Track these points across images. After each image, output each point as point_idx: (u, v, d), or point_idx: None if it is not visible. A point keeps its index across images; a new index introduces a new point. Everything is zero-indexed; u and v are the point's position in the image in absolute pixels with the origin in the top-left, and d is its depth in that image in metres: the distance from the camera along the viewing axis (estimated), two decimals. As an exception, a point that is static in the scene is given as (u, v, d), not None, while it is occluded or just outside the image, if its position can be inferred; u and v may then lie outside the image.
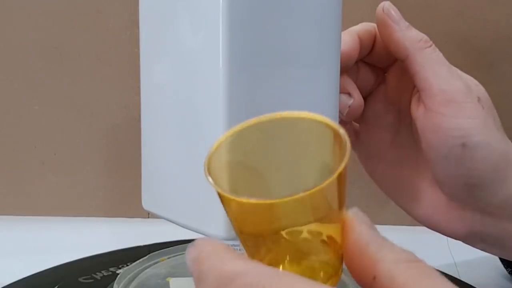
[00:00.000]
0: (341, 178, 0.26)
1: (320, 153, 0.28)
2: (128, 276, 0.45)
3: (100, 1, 0.68)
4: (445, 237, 0.58)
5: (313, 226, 0.27)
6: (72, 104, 0.69)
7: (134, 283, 0.45)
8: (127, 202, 0.69)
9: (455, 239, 0.49)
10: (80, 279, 0.49)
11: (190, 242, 0.27)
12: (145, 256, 0.47)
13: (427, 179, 0.47)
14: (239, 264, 0.25)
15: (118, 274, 0.50)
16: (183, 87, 0.37)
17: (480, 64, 0.65)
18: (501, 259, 0.54)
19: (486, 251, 0.49)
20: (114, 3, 0.67)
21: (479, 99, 0.43)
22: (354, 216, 0.28)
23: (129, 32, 0.68)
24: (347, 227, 0.27)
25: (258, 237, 0.27)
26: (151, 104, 0.40)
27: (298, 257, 0.27)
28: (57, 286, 0.48)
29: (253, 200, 0.25)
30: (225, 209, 0.26)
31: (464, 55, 0.64)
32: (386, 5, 0.44)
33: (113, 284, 0.45)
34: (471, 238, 0.48)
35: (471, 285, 0.49)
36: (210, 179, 0.26)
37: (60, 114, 0.69)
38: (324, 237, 0.27)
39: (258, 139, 0.29)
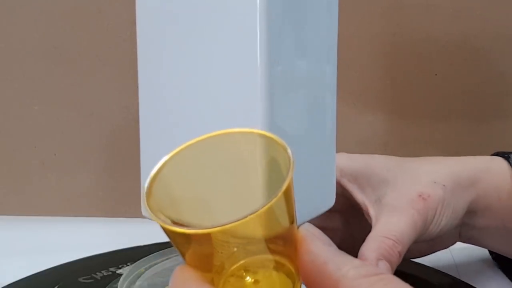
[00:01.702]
0: (287, 194, 0.24)
1: (265, 169, 0.27)
2: (132, 276, 0.45)
3: (100, 1, 0.68)
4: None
5: (265, 248, 0.26)
6: (72, 104, 0.69)
7: (138, 282, 0.45)
8: (127, 202, 0.69)
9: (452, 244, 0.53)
10: (80, 279, 0.49)
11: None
12: (145, 256, 0.47)
13: None
14: None
15: (118, 274, 0.50)
16: (208, 89, 0.37)
17: (480, 64, 0.65)
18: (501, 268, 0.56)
19: (480, 246, 0.53)
20: (114, 3, 0.67)
21: (426, 199, 0.47)
22: (306, 234, 0.26)
23: (129, 32, 0.68)
24: (302, 248, 0.26)
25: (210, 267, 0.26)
26: (156, 108, 0.40)
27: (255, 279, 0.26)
28: (57, 286, 0.48)
29: (196, 230, 0.24)
30: (171, 241, 0.26)
31: (464, 55, 0.64)
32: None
33: (112, 284, 0.45)
34: (462, 239, 0.52)
35: (471, 285, 0.49)
36: (149, 211, 0.25)
37: (60, 114, 0.69)
38: (278, 257, 0.26)
39: (198, 160, 0.27)
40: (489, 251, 0.56)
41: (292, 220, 0.26)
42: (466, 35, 0.64)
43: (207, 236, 0.24)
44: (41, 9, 0.68)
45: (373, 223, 0.46)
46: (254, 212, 0.23)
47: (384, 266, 0.42)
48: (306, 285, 0.26)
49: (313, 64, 0.41)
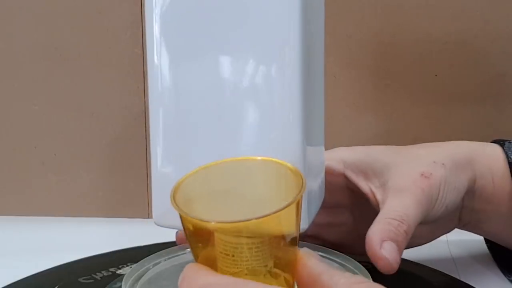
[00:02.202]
0: (297, 207, 0.29)
1: (279, 192, 0.32)
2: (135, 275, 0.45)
3: (101, 1, 0.68)
4: (445, 237, 0.58)
5: (270, 255, 0.30)
6: (72, 104, 0.69)
7: (141, 281, 0.45)
8: (127, 202, 0.69)
9: (451, 230, 0.53)
10: (80, 279, 0.49)
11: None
12: (146, 256, 0.47)
13: None
14: (210, 277, 0.29)
15: (118, 274, 0.50)
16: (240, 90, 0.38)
17: (480, 65, 0.65)
18: (494, 257, 0.56)
19: (478, 232, 0.54)
20: (115, 4, 0.67)
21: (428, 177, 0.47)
22: (304, 252, 0.31)
23: (129, 33, 0.68)
24: (300, 263, 0.31)
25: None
26: (174, 114, 0.39)
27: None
28: (57, 286, 0.48)
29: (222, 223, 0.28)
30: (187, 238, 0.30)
31: (464, 56, 0.64)
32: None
33: (112, 285, 0.45)
34: (462, 224, 0.52)
35: (471, 285, 0.49)
36: (175, 205, 0.29)
37: (60, 114, 0.69)
38: (279, 269, 0.30)
39: (223, 178, 0.32)
40: (485, 239, 0.56)
41: (297, 231, 0.30)
42: (466, 35, 0.64)
43: (223, 232, 0.28)
44: (41, 9, 0.68)
45: (380, 208, 0.46)
46: (274, 212, 0.28)
47: (389, 246, 0.42)
48: None
49: (317, 69, 0.41)
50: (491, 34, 0.64)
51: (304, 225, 0.39)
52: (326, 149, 0.48)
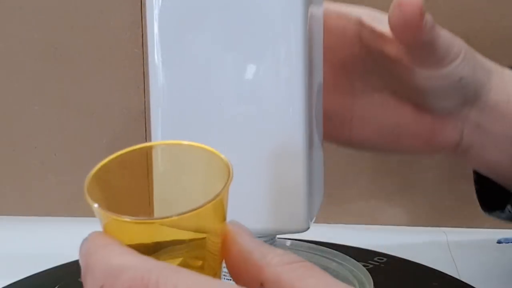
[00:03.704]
0: (222, 199, 0.27)
1: (206, 179, 0.29)
2: None
3: (101, 1, 0.68)
4: (445, 237, 0.59)
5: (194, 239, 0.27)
6: (72, 104, 0.69)
7: None
8: (127, 202, 0.69)
9: (451, 150, 0.50)
10: (80, 279, 0.49)
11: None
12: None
13: (409, 113, 0.48)
14: (128, 258, 0.25)
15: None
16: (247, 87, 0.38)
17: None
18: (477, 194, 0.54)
19: (472, 164, 0.52)
20: (115, 3, 0.67)
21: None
22: (233, 228, 0.28)
23: (129, 32, 0.68)
24: (229, 240, 0.27)
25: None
26: (174, 114, 0.39)
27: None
28: (57, 286, 0.48)
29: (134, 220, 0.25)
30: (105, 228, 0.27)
31: (464, 55, 0.64)
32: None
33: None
34: (462, 147, 0.49)
35: (471, 285, 0.49)
36: (89, 199, 0.27)
37: (60, 114, 0.69)
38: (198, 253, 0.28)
39: (157, 161, 0.30)
40: (474, 172, 0.53)
41: (222, 220, 0.28)
42: (466, 35, 0.64)
43: (142, 228, 0.26)
44: (41, 9, 0.68)
45: None
46: (195, 209, 0.25)
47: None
48: (232, 274, 0.28)
49: (317, 69, 0.41)
50: (491, 34, 0.64)
51: (304, 225, 0.39)
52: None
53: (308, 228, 0.39)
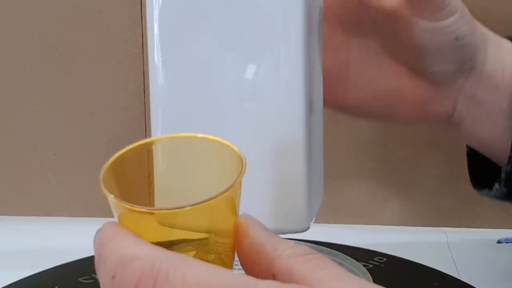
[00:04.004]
0: (235, 191, 0.27)
1: (220, 172, 0.29)
2: None
3: (101, 1, 0.68)
4: (445, 237, 0.58)
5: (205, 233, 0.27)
6: (72, 104, 0.69)
7: None
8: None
9: (443, 122, 0.50)
10: (80, 279, 0.49)
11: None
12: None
13: (404, 78, 0.48)
14: (140, 248, 0.25)
15: (118, 274, 0.49)
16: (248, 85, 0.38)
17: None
18: (469, 170, 0.53)
19: (463, 137, 0.51)
20: (115, 3, 0.67)
21: None
22: (245, 220, 0.28)
23: (129, 32, 0.68)
24: (241, 232, 0.28)
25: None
26: (174, 114, 0.39)
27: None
28: (57, 286, 0.48)
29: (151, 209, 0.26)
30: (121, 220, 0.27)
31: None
32: None
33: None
34: (454, 119, 0.49)
35: (471, 285, 0.49)
36: (105, 190, 0.27)
37: (60, 114, 0.69)
38: (216, 240, 0.28)
39: (163, 155, 0.30)
40: (467, 146, 0.53)
41: (234, 212, 0.28)
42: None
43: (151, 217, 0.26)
44: (41, 9, 0.68)
45: None
46: (210, 199, 0.26)
47: None
48: (244, 266, 0.28)
49: (317, 69, 0.41)
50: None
51: (304, 225, 0.39)
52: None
53: (308, 228, 0.39)
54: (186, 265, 0.24)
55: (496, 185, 0.48)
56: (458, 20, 0.46)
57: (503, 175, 0.47)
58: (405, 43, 0.47)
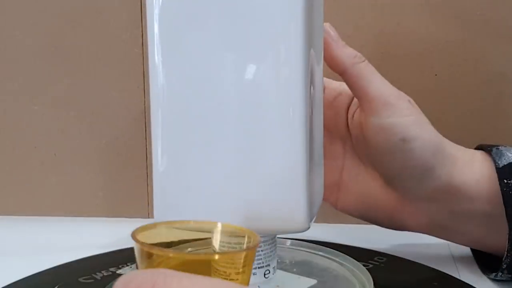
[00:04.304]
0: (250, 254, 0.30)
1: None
2: None
3: (100, 1, 0.68)
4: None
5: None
6: (72, 104, 0.69)
7: None
8: (127, 202, 0.69)
9: (422, 232, 0.53)
10: (80, 279, 0.49)
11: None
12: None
13: (379, 186, 0.52)
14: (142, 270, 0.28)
15: (118, 274, 0.49)
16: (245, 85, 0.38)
17: (480, 64, 0.64)
18: (474, 255, 0.55)
19: (451, 240, 0.54)
20: (114, 3, 0.67)
21: (409, 101, 0.50)
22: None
23: (129, 32, 0.68)
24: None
25: None
26: (174, 113, 0.39)
27: None
28: (57, 286, 0.48)
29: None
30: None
31: (464, 55, 0.64)
32: (326, 26, 0.48)
33: (112, 284, 0.45)
34: (434, 228, 0.52)
35: (471, 285, 0.49)
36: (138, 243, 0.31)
37: (60, 114, 0.69)
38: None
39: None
40: (476, 260, 0.55)
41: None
42: (466, 35, 0.64)
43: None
44: (41, 9, 0.68)
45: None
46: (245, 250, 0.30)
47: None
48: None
49: (317, 69, 0.41)
50: (491, 34, 0.64)
51: (304, 225, 0.39)
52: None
53: (308, 228, 0.39)
54: (184, 274, 0.26)
55: (500, 273, 0.50)
56: (408, 123, 0.48)
57: (504, 265, 0.49)
58: (367, 147, 0.51)
